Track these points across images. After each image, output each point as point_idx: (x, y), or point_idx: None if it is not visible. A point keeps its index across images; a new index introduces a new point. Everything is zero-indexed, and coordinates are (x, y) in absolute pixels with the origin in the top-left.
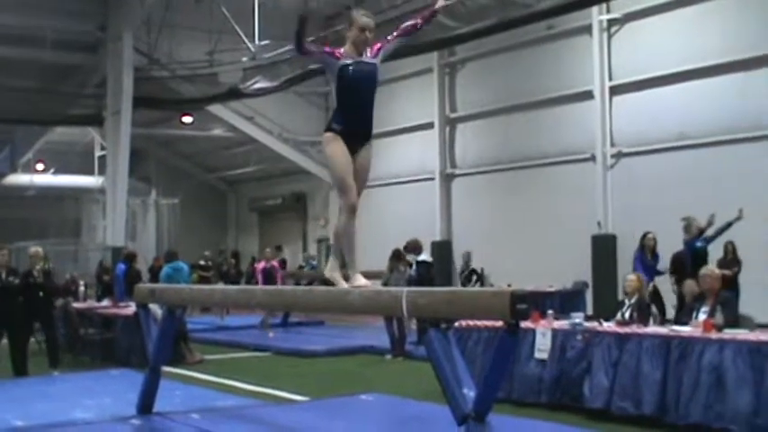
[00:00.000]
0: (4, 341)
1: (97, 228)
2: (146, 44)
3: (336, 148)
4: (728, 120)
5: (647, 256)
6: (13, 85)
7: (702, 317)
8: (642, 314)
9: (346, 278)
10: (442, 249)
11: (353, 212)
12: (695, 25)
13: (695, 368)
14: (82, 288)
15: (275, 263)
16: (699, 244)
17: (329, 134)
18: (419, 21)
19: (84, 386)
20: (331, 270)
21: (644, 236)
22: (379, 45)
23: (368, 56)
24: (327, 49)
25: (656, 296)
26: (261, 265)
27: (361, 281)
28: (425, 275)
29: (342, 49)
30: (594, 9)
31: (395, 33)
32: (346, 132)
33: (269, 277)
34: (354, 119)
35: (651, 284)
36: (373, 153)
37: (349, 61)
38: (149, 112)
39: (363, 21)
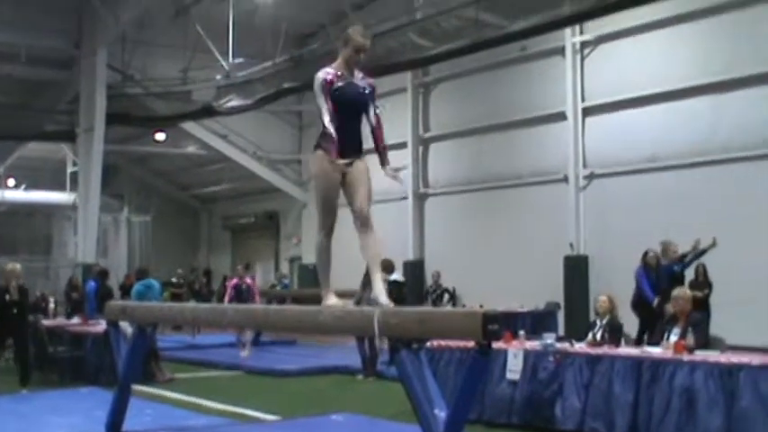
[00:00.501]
0: None
1: (68, 244)
2: (120, 61)
3: (325, 166)
4: (700, 142)
5: (651, 273)
6: None
7: (674, 338)
8: (614, 335)
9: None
10: (415, 269)
11: (329, 234)
12: (667, 48)
13: (667, 390)
14: (52, 305)
15: (249, 280)
16: (676, 268)
17: (320, 152)
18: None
19: (53, 404)
20: (327, 299)
21: (645, 254)
22: (371, 85)
23: (358, 76)
24: (327, 84)
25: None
26: (232, 282)
27: (331, 300)
28: (397, 295)
29: (332, 70)
30: (568, 31)
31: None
32: (337, 150)
33: (241, 294)
34: (345, 138)
35: (656, 300)
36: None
37: (341, 84)
38: (122, 129)
39: (359, 41)
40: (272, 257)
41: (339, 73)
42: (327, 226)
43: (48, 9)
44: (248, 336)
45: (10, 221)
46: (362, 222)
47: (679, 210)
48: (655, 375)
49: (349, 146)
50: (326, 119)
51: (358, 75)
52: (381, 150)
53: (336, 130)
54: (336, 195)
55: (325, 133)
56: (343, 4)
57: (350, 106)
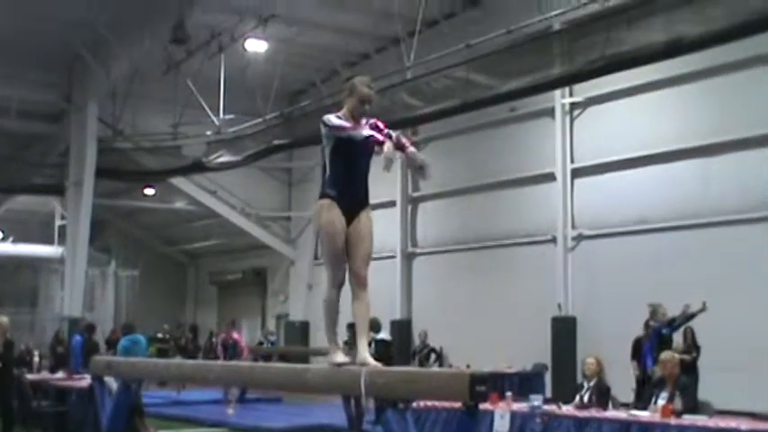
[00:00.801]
0: None
1: (54, 298)
2: (110, 115)
3: (332, 216)
4: (689, 205)
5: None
6: None
7: (662, 402)
8: (601, 398)
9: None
10: (402, 328)
11: (340, 288)
12: (656, 110)
13: None
14: (36, 359)
15: (235, 335)
16: (664, 331)
17: (325, 201)
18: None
19: None
20: (335, 356)
21: (647, 323)
22: (383, 133)
23: (364, 124)
24: (337, 128)
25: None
26: (221, 337)
27: (339, 357)
28: (384, 354)
29: (339, 119)
30: (557, 92)
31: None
32: (342, 199)
33: (227, 350)
34: (350, 187)
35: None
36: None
37: (349, 131)
38: (112, 183)
39: (365, 92)
40: (259, 314)
41: (343, 120)
42: (339, 279)
43: (39, 63)
44: (235, 393)
45: None
46: (358, 283)
47: (668, 272)
48: None
49: (355, 196)
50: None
51: (363, 124)
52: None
53: (342, 178)
54: (343, 244)
55: (328, 180)
56: (335, 62)
57: (357, 154)
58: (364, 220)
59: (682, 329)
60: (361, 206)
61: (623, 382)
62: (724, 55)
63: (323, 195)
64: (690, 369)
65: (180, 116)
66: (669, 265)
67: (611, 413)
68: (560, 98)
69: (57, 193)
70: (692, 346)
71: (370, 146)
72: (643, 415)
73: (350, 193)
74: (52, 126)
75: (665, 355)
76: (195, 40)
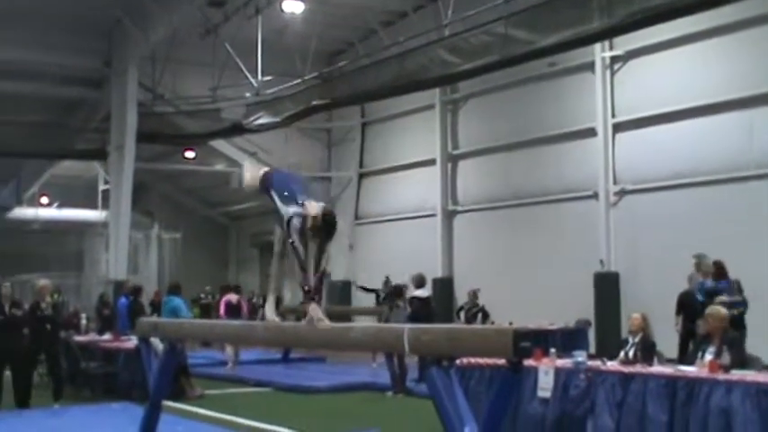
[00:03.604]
0: (8, 373)
1: (99, 261)
2: (150, 79)
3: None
4: (734, 157)
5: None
6: (20, 120)
7: (709, 357)
8: (647, 353)
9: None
10: (444, 286)
11: None
12: (699, 62)
13: (703, 410)
14: (84, 321)
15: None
16: (709, 284)
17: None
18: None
19: (85, 420)
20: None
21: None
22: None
23: None
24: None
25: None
26: (224, 299)
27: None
28: (420, 310)
29: None
30: (597, 46)
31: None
32: None
33: (232, 310)
34: None
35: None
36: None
37: None
38: (153, 147)
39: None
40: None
41: None
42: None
43: (79, 29)
44: (229, 352)
45: (43, 239)
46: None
47: (711, 226)
48: (690, 395)
49: None
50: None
51: None
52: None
53: None
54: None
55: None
56: (372, 21)
57: None
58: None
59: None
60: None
61: (668, 337)
62: (767, 4)
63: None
64: (737, 323)
65: (219, 79)
66: (712, 220)
67: (657, 368)
68: (600, 52)
69: (99, 158)
70: (740, 299)
71: None
72: (690, 370)
73: None
74: (93, 91)
75: (710, 309)
76: (232, 2)
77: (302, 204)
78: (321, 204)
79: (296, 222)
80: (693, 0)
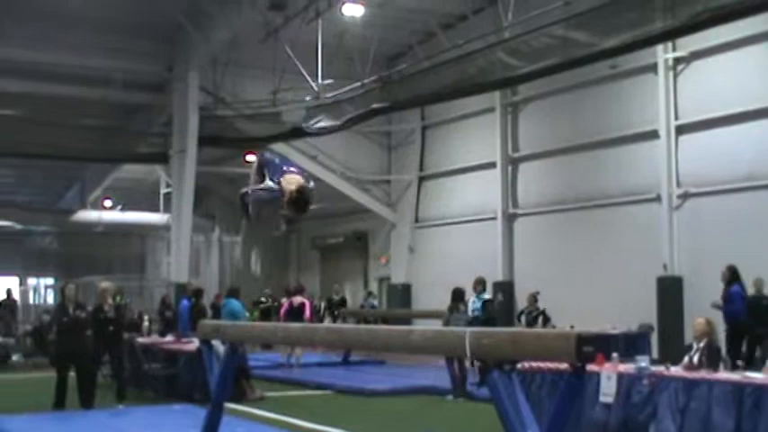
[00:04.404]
0: (72, 374)
1: (161, 264)
2: (211, 83)
3: None
4: None
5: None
6: (84, 124)
7: None
8: (711, 359)
9: None
10: (504, 290)
11: None
12: (763, 64)
13: None
14: (146, 323)
15: (299, 299)
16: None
17: None
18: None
19: (148, 420)
20: None
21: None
22: None
23: None
24: None
25: None
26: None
27: None
28: (489, 313)
29: None
30: (660, 48)
31: None
32: None
33: (295, 314)
34: None
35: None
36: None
37: None
38: (214, 150)
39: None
40: (361, 277)
41: None
42: None
43: (141, 34)
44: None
45: (106, 241)
46: None
47: None
48: (758, 402)
49: None
50: None
51: None
52: None
53: None
54: None
55: None
56: (432, 24)
57: None
58: None
59: None
60: None
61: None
62: None
63: None
64: None
65: (279, 82)
66: None
67: (723, 374)
68: (663, 53)
69: (161, 162)
70: None
71: None
72: (758, 377)
73: None
74: (156, 96)
75: None
76: (293, 5)
77: (279, 183)
78: (301, 181)
79: (263, 194)
80: (758, 0)
